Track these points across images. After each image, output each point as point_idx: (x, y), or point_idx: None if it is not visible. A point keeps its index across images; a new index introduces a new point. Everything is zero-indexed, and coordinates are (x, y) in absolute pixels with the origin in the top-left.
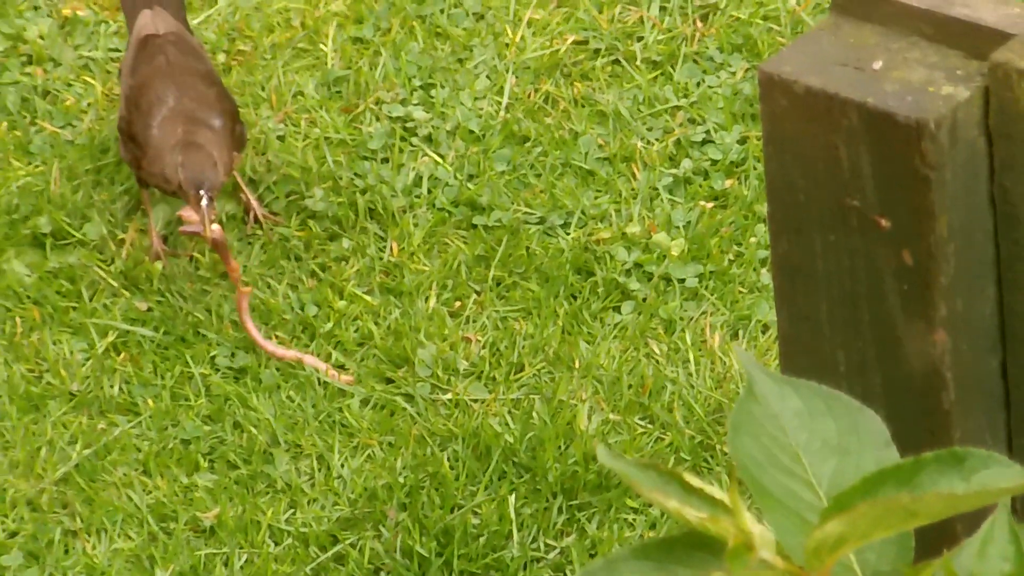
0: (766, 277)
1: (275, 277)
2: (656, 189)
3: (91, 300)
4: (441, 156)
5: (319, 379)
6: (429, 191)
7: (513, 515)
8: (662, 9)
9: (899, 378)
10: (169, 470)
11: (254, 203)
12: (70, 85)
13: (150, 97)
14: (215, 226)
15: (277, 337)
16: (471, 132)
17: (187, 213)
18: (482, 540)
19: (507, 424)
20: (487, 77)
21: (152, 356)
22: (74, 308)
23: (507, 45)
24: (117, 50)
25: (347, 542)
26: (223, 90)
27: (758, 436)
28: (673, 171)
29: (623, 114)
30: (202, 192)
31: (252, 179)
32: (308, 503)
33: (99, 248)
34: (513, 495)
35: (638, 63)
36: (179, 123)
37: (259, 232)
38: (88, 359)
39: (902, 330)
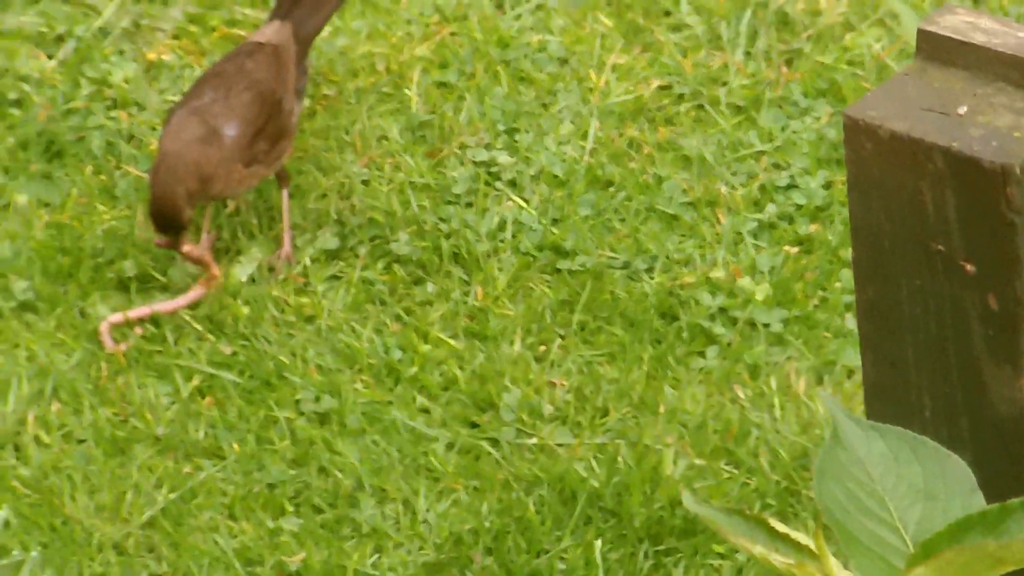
0: (851, 322)
1: (360, 321)
2: (740, 234)
3: (176, 344)
4: (525, 200)
5: (404, 424)
6: (513, 235)
7: (599, 560)
8: (746, 54)
9: (985, 423)
10: (255, 514)
11: (287, 242)
12: (154, 129)
13: (190, 92)
14: (186, 247)
15: (363, 381)
16: (555, 176)
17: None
18: None
19: (592, 469)
20: (571, 122)
21: (237, 400)
22: (159, 352)
23: (591, 90)
24: None
25: None
26: (265, 101)
27: (844, 481)
28: (757, 216)
29: (707, 159)
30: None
31: (338, 220)
32: (393, 548)
33: (183, 291)
34: (599, 540)
35: (722, 108)
36: (189, 123)
37: (344, 273)
38: (173, 403)
39: (988, 375)
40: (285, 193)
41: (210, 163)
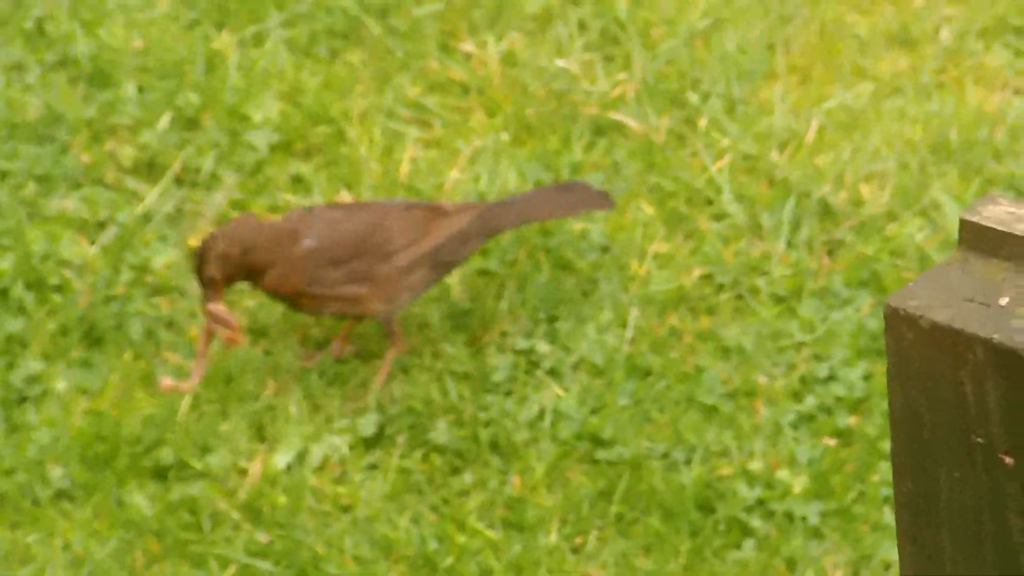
0: (889, 516)
1: (397, 511)
2: (779, 425)
3: (212, 531)
4: (565, 389)
5: None
6: (552, 424)
7: None
8: (788, 243)
9: None
10: None
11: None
12: (194, 316)
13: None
14: (211, 305)
15: (399, 572)
16: (595, 365)
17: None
18: None
19: None
20: (611, 310)
21: None
22: (195, 541)
23: (632, 278)
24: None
25: None
26: (368, 239)
27: None
28: (797, 407)
29: (746, 349)
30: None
31: (377, 407)
32: None
33: (222, 480)
34: None
35: (763, 297)
36: (288, 216)
37: (382, 462)
38: None
39: None
40: (392, 351)
41: (264, 248)
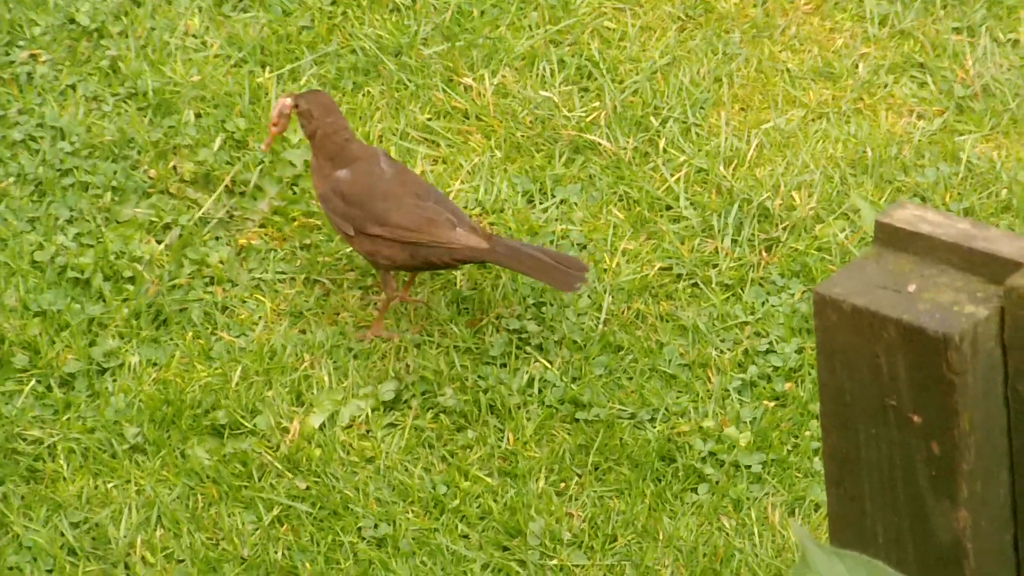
0: (818, 464)
1: (412, 462)
2: (728, 391)
3: (260, 480)
4: (550, 362)
5: (448, 548)
6: (540, 391)
7: None
8: (733, 241)
9: (928, 549)
10: None
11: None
12: (244, 302)
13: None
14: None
15: (413, 511)
16: (575, 342)
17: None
18: None
19: None
20: (588, 297)
21: (309, 527)
22: (245, 487)
23: (605, 270)
24: (284, 273)
25: None
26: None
27: None
28: (742, 376)
29: (701, 328)
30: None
31: (395, 377)
32: None
33: (267, 437)
34: None
35: (713, 286)
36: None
37: (399, 422)
38: (256, 529)
39: (931, 508)
40: (383, 297)
41: (325, 136)
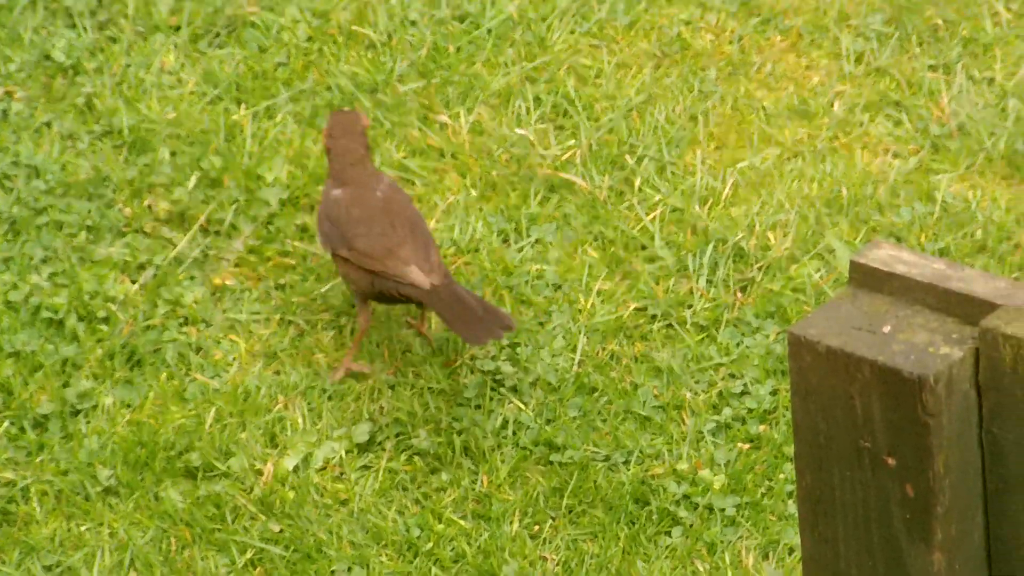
0: (792, 507)
1: (386, 504)
2: (702, 433)
3: (233, 522)
4: (524, 403)
5: None
6: (514, 433)
7: None
8: (708, 282)
9: None
10: None
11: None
12: (219, 342)
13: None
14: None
15: (387, 555)
16: (549, 384)
17: None
18: None
19: None
20: (563, 338)
21: (283, 571)
22: (219, 529)
23: (580, 311)
24: (258, 313)
25: None
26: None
27: None
28: (716, 418)
29: (675, 369)
30: None
31: (370, 419)
32: None
33: (241, 479)
34: None
35: (688, 327)
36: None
37: (373, 464)
38: (230, 572)
39: (906, 551)
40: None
41: (333, 151)
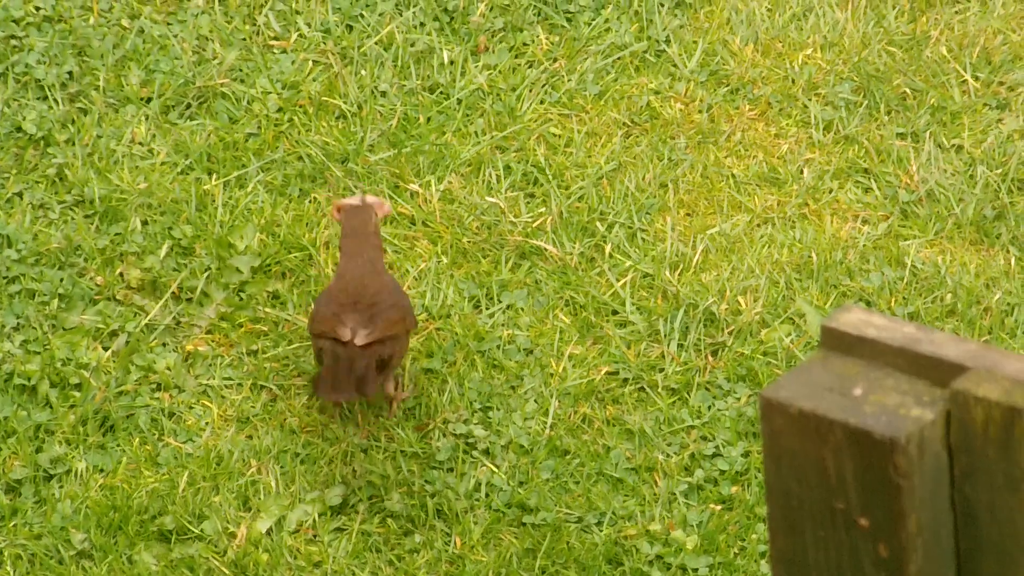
0: (765, 567)
1: (359, 566)
2: (674, 494)
3: None
4: (496, 466)
5: None
6: (487, 495)
7: None
8: (680, 346)
9: None
10: None
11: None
12: (191, 408)
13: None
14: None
15: None
16: (521, 447)
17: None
18: None
19: None
20: (535, 401)
21: None
22: None
23: (552, 375)
24: (230, 379)
25: None
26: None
27: None
28: (688, 479)
29: (647, 432)
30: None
31: (343, 482)
32: None
33: (214, 542)
34: None
35: (660, 390)
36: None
37: (346, 526)
38: None
39: None
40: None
41: (343, 240)
